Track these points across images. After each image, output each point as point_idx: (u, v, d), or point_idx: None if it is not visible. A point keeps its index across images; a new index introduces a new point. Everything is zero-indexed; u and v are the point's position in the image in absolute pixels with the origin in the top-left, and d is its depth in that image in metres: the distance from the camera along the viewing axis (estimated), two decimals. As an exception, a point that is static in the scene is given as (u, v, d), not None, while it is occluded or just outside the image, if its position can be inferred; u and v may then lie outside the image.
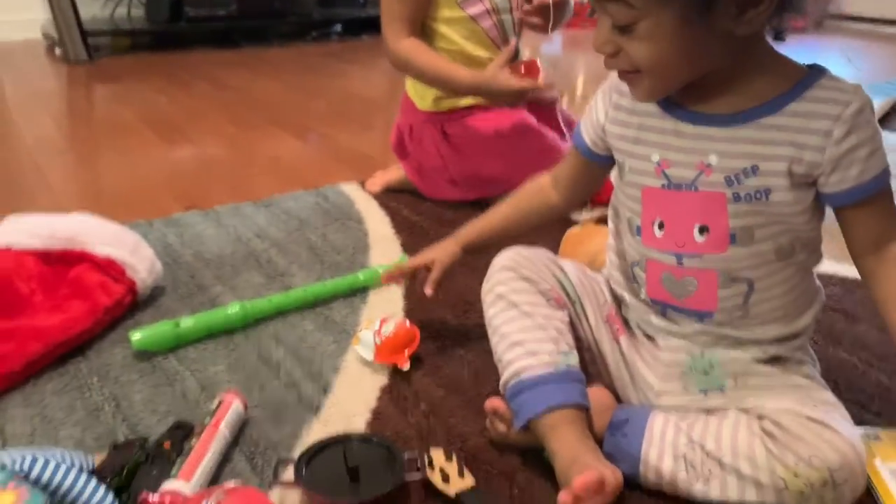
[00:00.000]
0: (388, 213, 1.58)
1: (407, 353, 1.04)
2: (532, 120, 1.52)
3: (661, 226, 0.83)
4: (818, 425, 0.74)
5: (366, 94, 2.88)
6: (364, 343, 1.06)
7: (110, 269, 1.17)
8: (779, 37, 0.77)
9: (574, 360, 0.86)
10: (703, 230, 0.80)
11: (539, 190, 1.01)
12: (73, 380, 1.02)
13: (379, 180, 1.72)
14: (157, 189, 1.80)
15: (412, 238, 1.46)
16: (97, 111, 2.72)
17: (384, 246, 1.44)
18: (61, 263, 1.20)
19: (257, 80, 3.08)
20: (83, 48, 3.31)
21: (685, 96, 0.79)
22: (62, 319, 1.08)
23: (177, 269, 1.33)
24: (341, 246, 1.44)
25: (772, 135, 0.75)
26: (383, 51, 1.51)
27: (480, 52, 1.50)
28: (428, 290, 1.05)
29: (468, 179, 1.54)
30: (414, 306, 1.21)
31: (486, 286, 0.93)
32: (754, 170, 0.76)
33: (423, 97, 1.55)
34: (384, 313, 1.13)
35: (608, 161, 0.91)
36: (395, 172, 1.71)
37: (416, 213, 1.58)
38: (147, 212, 1.60)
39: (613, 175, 0.92)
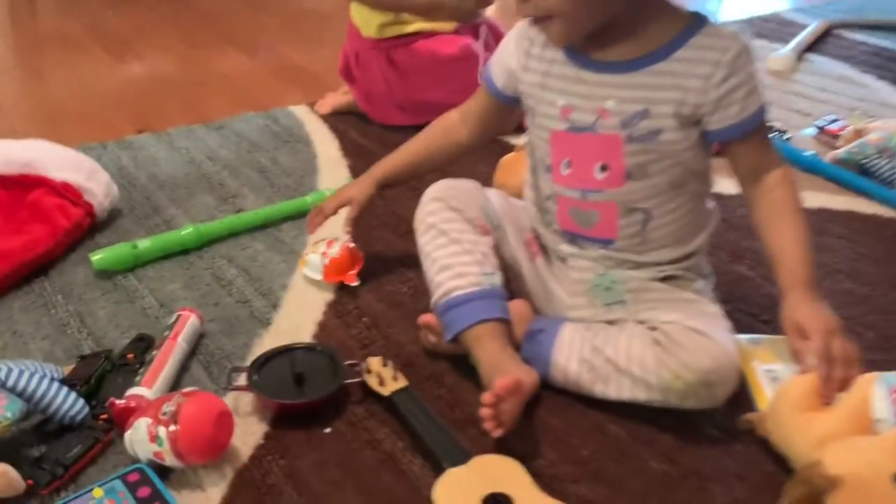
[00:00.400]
0: (336, 135, 1.65)
1: (354, 272, 1.13)
2: (475, 46, 1.58)
3: (568, 165, 0.92)
4: (698, 335, 0.85)
5: (319, 9, 2.86)
6: (312, 265, 1.15)
7: (68, 192, 1.23)
8: None
9: (497, 280, 0.96)
10: (603, 168, 0.90)
11: (449, 127, 1.08)
12: (39, 298, 1.10)
13: (329, 102, 1.77)
14: (109, 109, 1.83)
15: (360, 161, 1.53)
16: (43, 24, 2.67)
17: (333, 169, 1.51)
18: (19, 188, 1.26)
19: (207, -7, 3.03)
20: (23, -44, 3.19)
21: (588, 45, 0.87)
22: (24, 241, 1.15)
23: (132, 192, 1.40)
24: (291, 169, 1.51)
25: (660, 80, 0.84)
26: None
27: None
28: (346, 228, 1.11)
29: (414, 104, 1.60)
30: (358, 229, 1.30)
31: (417, 216, 1.01)
32: (646, 113, 0.85)
33: (367, 23, 1.59)
34: (331, 235, 1.21)
35: (516, 102, 0.99)
36: (344, 96, 1.75)
37: (364, 136, 1.64)
38: (100, 133, 1.64)
39: (528, 120, 0.99)
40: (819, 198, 1.43)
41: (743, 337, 1.01)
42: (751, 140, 0.88)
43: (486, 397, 0.82)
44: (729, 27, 0.85)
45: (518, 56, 0.94)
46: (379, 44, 1.59)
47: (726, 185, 1.43)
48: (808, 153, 1.55)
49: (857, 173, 1.49)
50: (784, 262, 0.88)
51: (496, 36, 1.65)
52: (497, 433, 0.81)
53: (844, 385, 0.80)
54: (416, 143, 1.10)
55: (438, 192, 1.00)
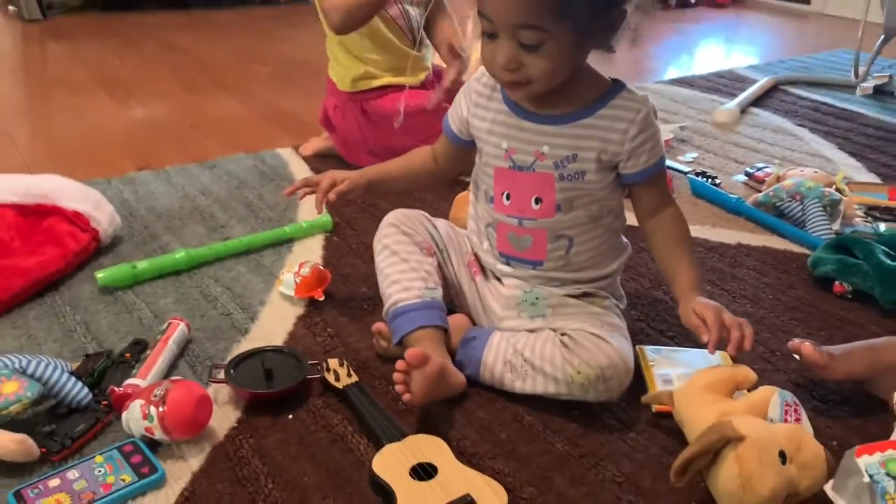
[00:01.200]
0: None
1: (321, 289, 1.32)
2: (435, 95, 1.78)
3: (508, 196, 1.11)
4: (597, 339, 1.04)
5: (309, 60, 3.08)
6: (286, 283, 1.33)
7: (77, 220, 1.42)
8: (610, 50, 1.02)
9: (438, 294, 1.14)
10: (538, 200, 1.08)
11: (425, 157, 1.25)
12: (51, 308, 1.28)
13: (311, 146, 1.98)
14: (113, 148, 2.03)
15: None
16: (53, 70, 2.89)
17: (311, 205, 1.67)
18: (35, 216, 1.44)
19: (205, 43, 3.26)
20: (37, 6, 3.43)
21: (528, 104, 1.05)
22: (39, 261, 1.33)
23: (133, 221, 1.59)
24: (274, 203, 1.70)
25: (586, 132, 1.03)
26: (321, 16, 1.72)
27: (390, 36, 1.76)
28: (332, 196, 1.18)
29: (384, 150, 1.80)
30: (329, 254, 1.49)
31: (376, 238, 1.20)
32: (574, 157, 1.04)
33: (342, 79, 1.80)
34: (304, 260, 1.39)
35: (472, 144, 1.17)
36: (325, 140, 1.96)
37: (341, 176, 1.84)
38: (105, 170, 1.84)
39: (478, 160, 1.17)
40: (739, 235, 1.63)
41: (648, 347, 1.20)
42: (653, 183, 1.08)
43: (398, 364, 0.99)
44: (639, 93, 1.04)
45: (468, 106, 1.12)
46: (353, 97, 1.80)
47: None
48: (733, 196, 1.75)
49: (774, 214, 1.69)
50: (679, 278, 1.08)
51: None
52: (406, 398, 0.98)
53: (746, 342, 0.98)
54: (399, 161, 1.26)
55: (393, 219, 1.19)
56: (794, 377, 1.17)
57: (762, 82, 2.70)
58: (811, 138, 2.25)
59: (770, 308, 1.36)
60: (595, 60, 1.04)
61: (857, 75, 2.75)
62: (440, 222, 1.23)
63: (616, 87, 1.05)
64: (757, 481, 0.85)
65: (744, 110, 2.46)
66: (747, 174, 1.91)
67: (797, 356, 1.15)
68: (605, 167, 1.06)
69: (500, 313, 1.16)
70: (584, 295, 1.13)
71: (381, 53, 1.76)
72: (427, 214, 1.22)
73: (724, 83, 2.82)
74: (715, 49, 3.66)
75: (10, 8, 3.54)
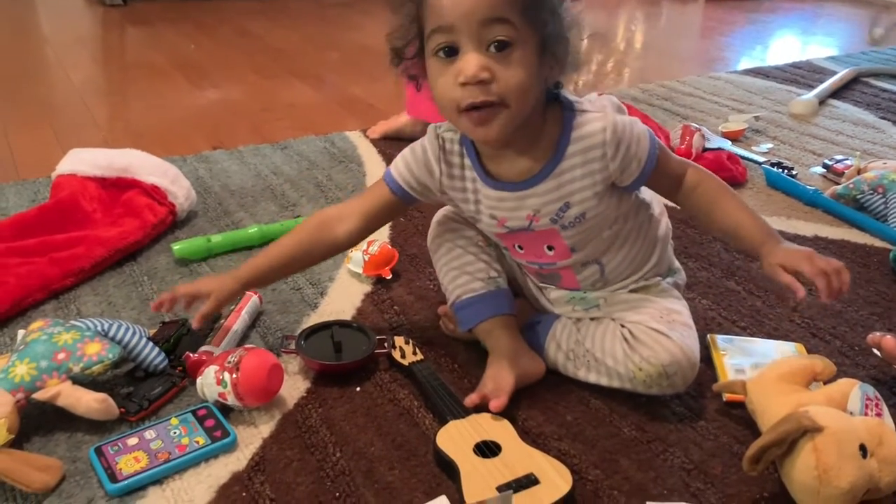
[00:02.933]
0: (384, 157, 1.86)
1: (388, 267, 1.33)
2: None
3: (520, 247, 1.07)
4: (658, 334, 1.00)
5: (377, 47, 3.11)
6: (354, 261, 1.35)
7: (155, 194, 1.46)
8: (557, 86, 0.96)
9: (503, 281, 1.12)
10: (550, 248, 1.05)
11: (322, 226, 1.08)
12: (129, 278, 1.33)
13: (379, 129, 1.99)
14: (188, 128, 2.08)
15: (403, 180, 1.74)
16: (131, 54, 2.99)
17: (379, 185, 1.72)
18: (115, 189, 1.50)
19: (277, 29, 3.32)
20: (118, -8, 3.55)
21: (498, 170, 0.99)
22: (119, 231, 1.38)
23: (207, 197, 1.63)
24: (343, 184, 1.72)
25: (567, 177, 0.96)
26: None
27: None
28: (195, 324, 1.06)
29: None
30: (396, 234, 1.50)
31: (429, 238, 1.17)
32: (567, 206, 0.98)
33: None
34: (373, 238, 1.40)
35: (417, 202, 1.07)
36: (393, 122, 1.97)
37: (408, 159, 1.85)
38: (181, 149, 1.89)
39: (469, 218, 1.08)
40: (816, 227, 1.58)
41: (719, 337, 1.17)
42: (657, 170, 0.99)
43: (492, 406, 0.97)
44: (589, 103, 0.96)
45: (441, 178, 1.02)
46: None
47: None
48: (810, 188, 1.70)
49: (853, 207, 1.63)
50: (743, 230, 0.99)
51: None
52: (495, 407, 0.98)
53: (844, 288, 0.92)
54: (285, 242, 1.09)
55: (441, 216, 1.16)
56: (873, 372, 1.13)
57: (842, 73, 2.60)
58: (894, 131, 2.16)
59: (848, 302, 1.31)
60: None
61: (945, 68, 2.62)
62: None
63: (567, 113, 0.96)
64: (835, 474, 0.82)
65: (822, 102, 2.38)
66: (825, 166, 1.85)
67: (877, 351, 1.11)
68: (603, 195, 0.99)
69: (556, 310, 1.14)
70: (634, 290, 1.09)
71: None
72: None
73: (802, 74, 2.72)
74: (791, 40, 3.54)
75: (93, -6, 3.67)
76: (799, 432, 0.84)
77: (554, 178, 0.97)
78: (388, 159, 1.83)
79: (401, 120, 1.93)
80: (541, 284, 1.14)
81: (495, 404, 0.98)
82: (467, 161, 1.02)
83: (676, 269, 1.15)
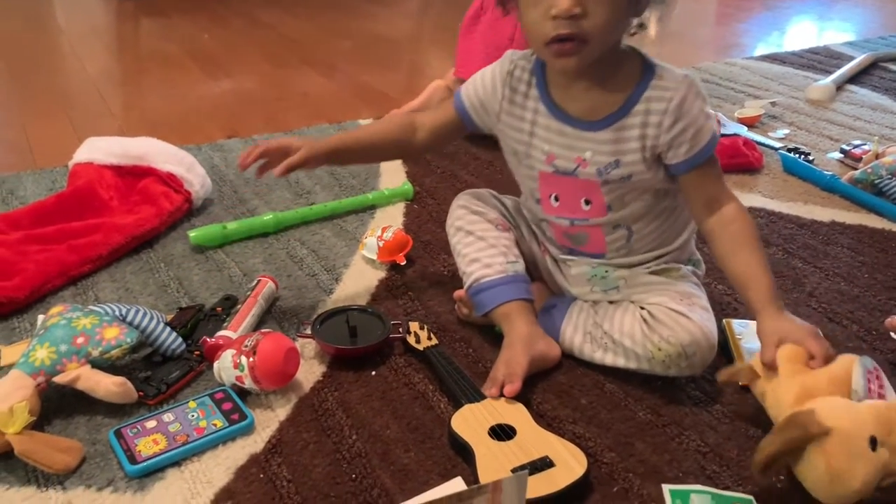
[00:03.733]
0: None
1: (403, 253, 1.33)
2: None
3: (556, 198, 1.07)
4: (678, 314, 1.00)
5: (390, 36, 3.11)
6: (369, 247, 1.35)
7: (172, 181, 1.47)
8: (642, 27, 0.98)
9: (520, 267, 1.12)
10: (587, 202, 1.05)
11: (406, 126, 1.15)
12: (146, 264, 1.34)
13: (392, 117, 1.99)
14: (202, 118, 2.09)
15: (416, 167, 1.74)
16: (147, 45, 3.00)
17: (392, 173, 1.72)
18: (132, 176, 1.51)
19: (290, 19, 3.32)
20: (131, -17, 3.56)
21: (566, 101, 1.01)
22: (135, 219, 1.39)
23: (222, 186, 1.64)
24: (356, 172, 1.72)
25: (624, 134, 0.98)
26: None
27: None
28: (279, 172, 1.04)
29: None
30: (410, 221, 1.50)
31: (448, 222, 1.18)
32: (617, 163, 0.99)
33: None
34: (386, 224, 1.41)
35: (476, 128, 1.11)
36: (406, 109, 1.96)
37: (422, 147, 1.85)
38: (195, 137, 1.90)
39: (511, 158, 1.11)
40: (833, 213, 1.57)
41: (735, 321, 1.17)
42: (702, 174, 1.00)
43: (506, 391, 0.98)
44: (676, 73, 0.97)
45: (502, 103, 1.06)
46: None
47: (745, 198, 1.60)
48: (827, 173, 1.68)
49: (871, 192, 1.61)
50: (753, 286, 0.97)
51: None
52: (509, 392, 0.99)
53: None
54: (372, 129, 1.19)
55: (462, 201, 1.17)
56: (891, 357, 1.12)
57: (860, 59, 2.57)
58: (913, 117, 2.13)
59: (866, 287, 1.30)
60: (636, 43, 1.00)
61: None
62: (508, 199, 1.20)
63: (647, 72, 0.98)
64: (847, 476, 0.80)
65: (839, 87, 2.35)
66: (843, 151, 1.83)
67: (895, 334, 1.10)
68: (651, 163, 1.00)
69: (573, 290, 1.14)
70: (655, 272, 1.09)
71: None
72: (495, 192, 1.20)
73: (819, 60, 2.69)
74: (808, 26, 3.50)
75: (107, -15, 3.68)
76: (806, 439, 0.82)
77: (614, 130, 0.98)
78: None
79: (412, 104, 1.92)
80: (562, 256, 1.13)
81: (509, 389, 0.98)
82: (534, 91, 1.04)
83: (697, 260, 1.15)
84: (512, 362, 1.02)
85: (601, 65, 0.96)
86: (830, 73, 2.47)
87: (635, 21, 0.97)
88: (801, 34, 3.33)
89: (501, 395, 0.98)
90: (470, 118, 1.11)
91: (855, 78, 2.46)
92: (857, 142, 1.85)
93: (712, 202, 1.01)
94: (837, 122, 2.08)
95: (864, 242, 1.46)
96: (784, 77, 2.49)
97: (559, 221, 1.08)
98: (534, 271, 1.19)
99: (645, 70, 0.98)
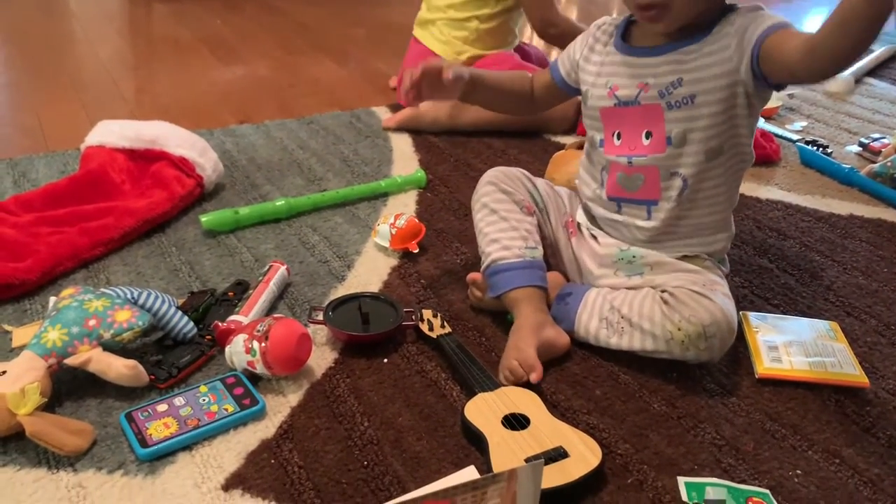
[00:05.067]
0: (410, 133, 1.85)
1: (415, 241, 1.32)
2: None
3: (618, 136, 1.07)
4: (700, 296, 0.99)
5: (403, 24, 3.08)
6: (381, 234, 1.34)
7: (184, 166, 1.46)
8: None
9: (538, 254, 1.12)
10: (648, 135, 1.04)
11: (525, 81, 1.24)
12: (158, 248, 1.33)
13: (396, 118, 1.91)
14: (215, 103, 2.08)
15: (429, 155, 1.73)
16: (159, 30, 2.98)
17: (405, 161, 1.71)
18: (144, 160, 1.50)
19: (303, 6, 3.29)
20: (144, -32, 3.54)
21: (642, 39, 1.05)
22: (147, 202, 1.38)
23: (234, 171, 1.63)
24: (369, 159, 1.71)
25: (690, 56, 0.99)
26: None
27: None
28: (447, 74, 1.08)
29: None
30: (423, 209, 1.49)
31: (474, 197, 1.18)
32: (679, 82, 1.00)
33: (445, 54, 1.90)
34: (399, 212, 1.40)
35: (573, 90, 1.16)
36: (411, 109, 1.90)
37: (434, 135, 1.84)
38: (208, 122, 1.89)
39: (584, 107, 1.14)
40: (851, 206, 1.55)
41: (752, 314, 1.15)
42: (778, 37, 0.93)
43: (532, 379, 0.98)
44: (751, 8, 0.98)
45: (583, 51, 1.13)
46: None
47: (762, 190, 1.58)
48: (845, 166, 1.66)
49: (890, 186, 1.59)
50: None
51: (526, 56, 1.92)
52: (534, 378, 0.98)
53: None
54: (503, 74, 1.28)
55: (492, 177, 1.17)
56: (910, 352, 1.10)
57: (879, 52, 2.54)
58: (933, 111, 2.10)
59: (885, 281, 1.28)
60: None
61: None
62: (539, 181, 1.20)
63: (725, 11, 0.99)
64: None
65: (858, 80, 2.33)
66: (861, 144, 1.81)
67: None
68: (719, 88, 0.98)
69: (595, 272, 1.13)
70: (686, 257, 1.09)
71: None
72: (527, 172, 1.20)
73: (837, 53, 2.66)
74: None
75: (120, -30, 3.67)
76: None
77: (679, 53, 1.01)
78: (415, 135, 1.83)
79: (421, 106, 1.88)
80: (608, 215, 1.12)
81: (534, 376, 0.97)
82: (613, 39, 1.09)
83: (724, 259, 1.14)
84: (521, 345, 1.01)
85: (694, 19, 0.99)
86: (848, 65, 2.44)
87: None
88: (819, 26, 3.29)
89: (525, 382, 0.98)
90: (560, 77, 1.17)
91: (874, 71, 2.43)
92: (876, 135, 1.82)
93: (801, 43, 0.90)
94: (856, 115, 2.05)
95: (882, 236, 1.44)
96: (801, 69, 2.45)
97: (619, 160, 1.08)
98: (551, 258, 1.18)
99: (725, 8, 1.00)
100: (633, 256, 1.10)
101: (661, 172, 1.05)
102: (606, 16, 1.14)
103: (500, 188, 1.15)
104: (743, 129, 1.02)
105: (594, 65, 1.10)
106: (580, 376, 1.04)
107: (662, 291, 1.03)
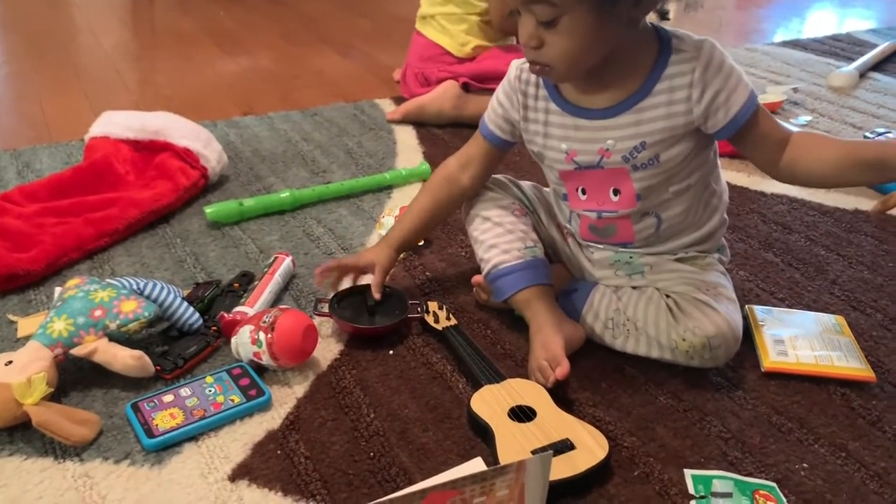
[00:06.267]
0: (414, 126, 1.84)
1: (420, 234, 1.32)
2: None
3: (583, 191, 1.05)
4: (704, 305, 0.98)
5: (409, 17, 3.06)
6: (386, 227, 1.34)
7: (188, 157, 1.46)
8: (664, 17, 0.96)
9: (539, 251, 1.10)
10: (616, 192, 1.02)
11: (450, 177, 1.14)
12: (162, 239, 1.33)
13: (401, 110, 1.91)
14: (218, 94, 2.08)
15: (433, 148, 1.72)
16: (162, 21, 2.98)
17: (409, 153, 1.70)
18: (148, 151, 1.50)
19: (307, -3, 3.29)
20: (147, -41, 3.53)
21: (578, 95, 0.98)
22: (152, 194, 1.38)
23: (238, 163, 1.63)
24: (373, 151, 1.71)
25: (648, 115, 0.94)
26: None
27: None
28: (377, 295, 1.11)
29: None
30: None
31: (463, 210, 1.16)
32: (643, 145, 0.96)
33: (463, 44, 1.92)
34: (404, 205, 1.39)
35: (513, 143, 1.11)
36: (414, 102, 1.89)
37: (439, 127, 1.83)
38: (211, 113, 1.89)
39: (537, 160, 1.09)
40: (857, 201, 1.54)
41: (758, 308, 1.15)
42: (752, 126, 0.94)
43: (559, 374, 0.95)
44: (690, 40, 0.93)
45: (518, 109, 1.04)
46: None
47: (767, 184, 1.58)
48: (851, 161, 1.65)
49: (877, 188, 1.58)
50: (860, 147, 0.94)
51: None
52: (555, 379, 0.96)
53: None
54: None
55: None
56: (916, 347, 1.10)
57: (883, 46, 2.53)
58: (938, 105, 2.10)
59: (890, 275, 1.28)
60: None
61: None
62: (525, 184, 1.18)
63: (664, 49, 0.94)
64: None
65: (863, 74, 2.32)
66: (866, 139, 1.80)
67: None
68: (681, 139, 0.96)
69: (597, 274, 1.12)
70: (683, 259, 1.08)
71: None
72: (512, 178, 1.18)
73: (842, 47, 2.65)
74: (829, 13, 3.45)
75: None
76: None
77: (634, 113, 0.95)
78: (419, 128, 1.83)
79: (422, 99, 1.88)
80: (587, 242, 1.11)
81: (560, 372, 0.95)
82: (542, 91, 1.02)
83: (723, 246, 1.13)
84: (550, 345, 0.99)
85: (613, 63, 0.93)
86: (853, 60, 2.43)
87: (659, 7, 0.93)
88: (823, 21, 3.28)
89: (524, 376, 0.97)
90: (500, 140, 1.10)
91: (879, 65, 2.42)
92: (881, 129, 1.82)
93: (780, 141, 0.96)
94: (861, 109, 2.05)
95: (888, 231, 1.43)
96: (806, 63, 2.45)
97: (587, 214, 1.06)
98: (553, 256, 1.17)
99: (662, 47, 0.94)
100: (630, 257, 1.09)
101: (633, 218, 1.04)
102: (515, 60, 1.06)
103: (489, 196, 1.13)
104: (703, 160, 1.01)
105: (537, 124, 1.03)
106: (587, 368, 1.04)
107: (667, 296, 1.02)
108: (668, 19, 0.94)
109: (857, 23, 3.14)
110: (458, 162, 1.14)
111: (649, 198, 1.01)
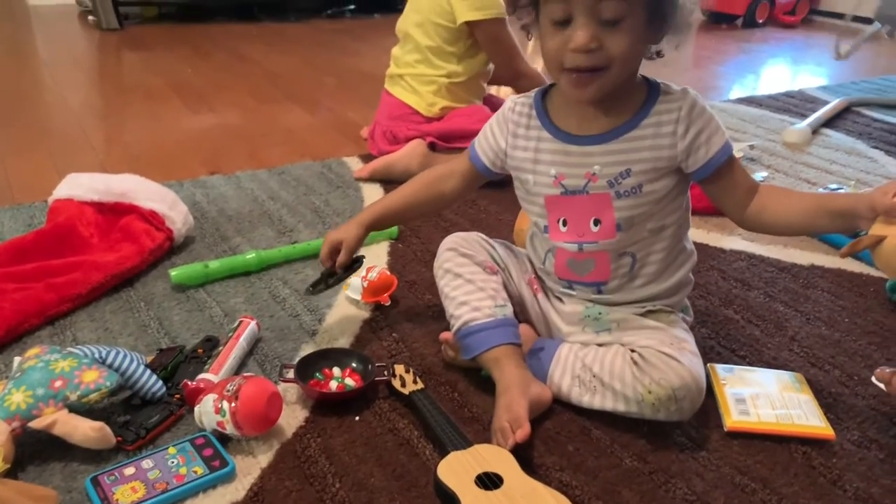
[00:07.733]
0: (381, 184, 1.86)
1: (387, 294, 1.32)
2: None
3: (564, 223, 1.08)
4: (669, 358, 1.00)
5: (374, 73, 3.12)
6: (353, 287, 1.34)
7: (153, 219, 1.46)
8: (659, 55, 1.02)
9: (508, 311, 1.12)
10: (596, 222, 1.06)
11: (435, 180, 1.19)
12: (126, 303, 1.32)
13: (368, 168, 1.93)
14: (185, 153, 2.08)
15: (400, 206, 1.74)
16: (129, 78, 2.99)
17: (376, 211, 1.71)
18: (113, 214, 1.49)
19: (274, 54, 3.33)
20: (114, 17, 3.57)
21: (571, 124, 1.04)
22: (116, 257, 1.37)
23: (204, 223, 1.62)
24: (340, 209, 1.72)
25: (635, 144, 1.01)
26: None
27: None
28: (338, 268, 1.18)
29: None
30: (395, 261, 1.50)
31: (435, 264, 1.18)
32: (628, 172, 1.02)
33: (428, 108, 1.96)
34: (370, 264, 1.40)
35: (494, 176, 1.16)
36: (382, 160, 1.92)
37: (406, 185, 1.85)
38: (178, 172, 1.89)
39: (520, 192, 1.14)
40: (812, 256, 1.59)
41: (719, 366, 1.17)
42: (727, 171, 1.03)
43: (518, 436, 0.96)
44: (675, 87, 1.02)
45: (506, 137, 1.10)
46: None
47: (726, 241, 1.61)
48: (805, 217, 1.70)
49: (849, 236, 1.63)
50: (830, 198, 1.04)
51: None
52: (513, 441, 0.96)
53: None
54: (403, 191, 1.21)
55: (451, 243, 1.17)
56: (872, 402, 1.13)
57: (834, 103, 2.63)
58: (886, 161, 2.18)
59: (846, 331, 1.32)
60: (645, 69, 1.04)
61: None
62: (496, 242, 1.20)
63: (653, 90, 1.02)
64: None
65: (815, 131, 2.40)
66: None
67: (883, 386, 1.10)
68: (664, 174, 1.03)
69: (564, 329, 1.14)
70: (649, 312, 1.10)
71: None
72: (484, 235, 1.20)
73: (794, 103, 2.75)
74: (783, 70, 3.59)
75: (90, 18, 3.69)
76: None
77: (623, 141, 1.01)
78: (386, 185, 1.85)
79: (390, 157, 1.90)
80: (561, 286, 1.14)
81: (521, 434, 0.96)
82: (535, 121, 1.07)
83: (687, 307, 1.16)
84: (513, 406, 1.00)
85: (615, 91, 0.99)
86: (806, 116, 2.52)
87: (653, 48, 1.01)
88: (776, 77, 3.41)
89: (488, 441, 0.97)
90: (484, 166, 1.15)
91: (830, 122, 2.52)
92: (834, 185, 1.88)
93: (749, 191, 1.05)
94: (814, 165, 2.12)
95: (843, 286, 1.47)
96: (761, 120, 2.54)
97: (567, 247, 1.08)
98: (521, 314, 1.18)
99: (650, 88, 1.03)
100: (599, 313, 1.11)
101: (612, 255, 1.07)
102: (512, 95, 1.12)
103: (461, 252, 1.16)
104: (680, 206, 1.07)
105: (526, 151, 1.08)
106: (553, 432, 1.04)
107: (632, 351, 1.04)
108: (662, 55, 1.03)
109: (810, 79, 3.27)
110: (444, 170, 1.20)
111: (628, 231, 1.05)
